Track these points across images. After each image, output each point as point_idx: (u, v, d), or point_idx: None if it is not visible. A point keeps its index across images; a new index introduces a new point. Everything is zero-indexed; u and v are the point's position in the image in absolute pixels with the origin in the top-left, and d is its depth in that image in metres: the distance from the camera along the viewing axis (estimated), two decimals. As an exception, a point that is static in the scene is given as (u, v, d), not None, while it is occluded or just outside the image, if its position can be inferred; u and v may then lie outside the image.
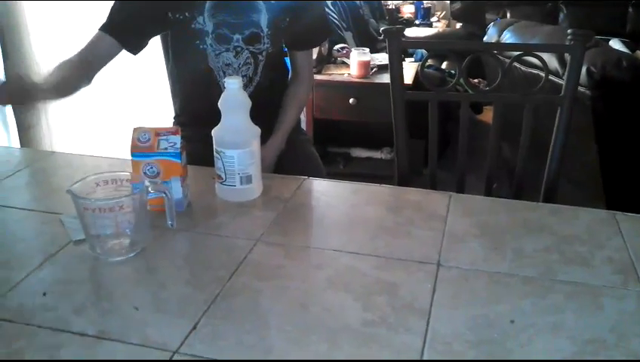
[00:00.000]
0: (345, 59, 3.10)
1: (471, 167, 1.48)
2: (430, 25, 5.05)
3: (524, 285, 0.91)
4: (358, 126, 3.22)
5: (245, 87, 1.47)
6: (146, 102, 2.48)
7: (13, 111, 2.00)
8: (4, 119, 2.01)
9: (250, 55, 1.46)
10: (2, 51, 1.97)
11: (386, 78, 2.97)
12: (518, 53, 1.38)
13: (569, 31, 1.33)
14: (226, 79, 1.11)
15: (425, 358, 0.75)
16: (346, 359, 0.75)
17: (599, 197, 2.24)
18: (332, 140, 3.23)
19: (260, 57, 1.47)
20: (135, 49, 1.46)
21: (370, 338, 0.79)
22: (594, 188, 2.28)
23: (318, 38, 1.71)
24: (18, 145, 2.05)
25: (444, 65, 3.75)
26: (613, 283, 0.92)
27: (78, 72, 1.40)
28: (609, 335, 0.79)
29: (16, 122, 2.00)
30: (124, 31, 1.42)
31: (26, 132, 2.04)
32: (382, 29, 1.50)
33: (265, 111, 1.30)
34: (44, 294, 0.88)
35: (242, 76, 1.47)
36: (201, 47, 1.44)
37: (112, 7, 1.44)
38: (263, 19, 1.44)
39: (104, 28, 1.42)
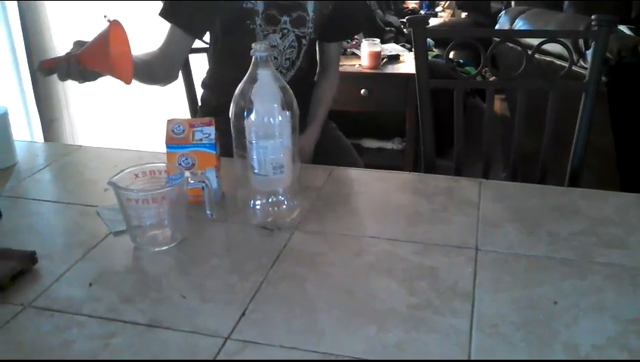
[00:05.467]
0: (355, 50, 3.10)
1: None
2: (435, 15, 5.05)
3: (563, 267, 0.92)
4: (369, 116, 3.23)
5: (287, 70, 1.50)
6: (163, 96, 2.49)
7: (37, 105, 2.01)
8: (27, 114, 2.02)
9: (295, 38, 1.48)
10: (25, 47, 1.98)
11: (396, 69, 3.00)
12: (541, 40, 1.39)
13: (593, 17, 1.33)
14: (259, 70, 1.10)
15: (474, 340, 0.76)
16: (396, 342, 0.77)
17: (614, 182, 2.25)
18: (343, 131, 3.22)
19: (304, 41, 1.50)
20: (197, 33, 1.50)
21: (418, 321, 0.80)
22: (608, 173, 2.29)
23: (355, 28, 1.74)
24: (42, 140, 2.07)
25: (451, 55, 3.75)
26: (650, 264, 0.93)
27: (160, 63, 1.44)
28: (652, 315, 0.81)
29: (40, 116, 2.01)
30: (184, 16, 1.45)
31: (49, 126, 2.05)
32: (407, 17, 1.51)
33: (305, 95, 1.31)
34: (90, 285, 0.89)
35: (286, 59, 1.50)
36: (251, 26, 1.45)
37: None
38: (310, 4, 1.47)
39: (163, 14, 1.44)
